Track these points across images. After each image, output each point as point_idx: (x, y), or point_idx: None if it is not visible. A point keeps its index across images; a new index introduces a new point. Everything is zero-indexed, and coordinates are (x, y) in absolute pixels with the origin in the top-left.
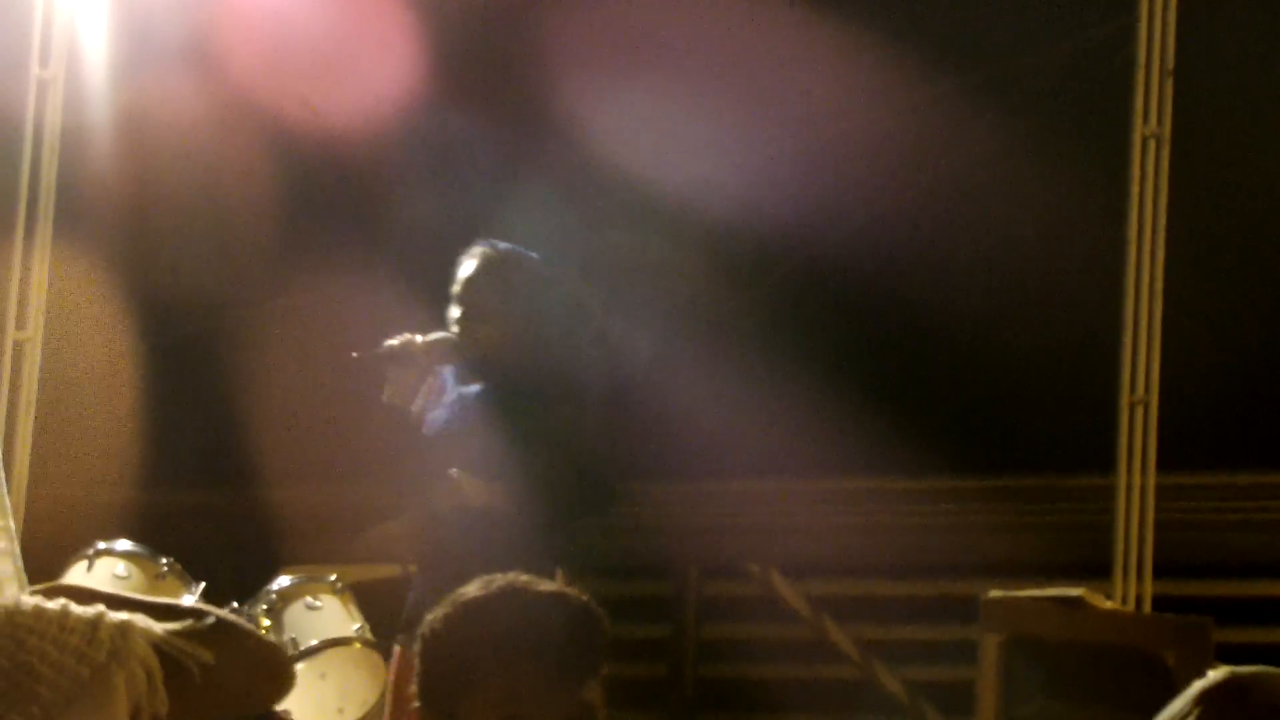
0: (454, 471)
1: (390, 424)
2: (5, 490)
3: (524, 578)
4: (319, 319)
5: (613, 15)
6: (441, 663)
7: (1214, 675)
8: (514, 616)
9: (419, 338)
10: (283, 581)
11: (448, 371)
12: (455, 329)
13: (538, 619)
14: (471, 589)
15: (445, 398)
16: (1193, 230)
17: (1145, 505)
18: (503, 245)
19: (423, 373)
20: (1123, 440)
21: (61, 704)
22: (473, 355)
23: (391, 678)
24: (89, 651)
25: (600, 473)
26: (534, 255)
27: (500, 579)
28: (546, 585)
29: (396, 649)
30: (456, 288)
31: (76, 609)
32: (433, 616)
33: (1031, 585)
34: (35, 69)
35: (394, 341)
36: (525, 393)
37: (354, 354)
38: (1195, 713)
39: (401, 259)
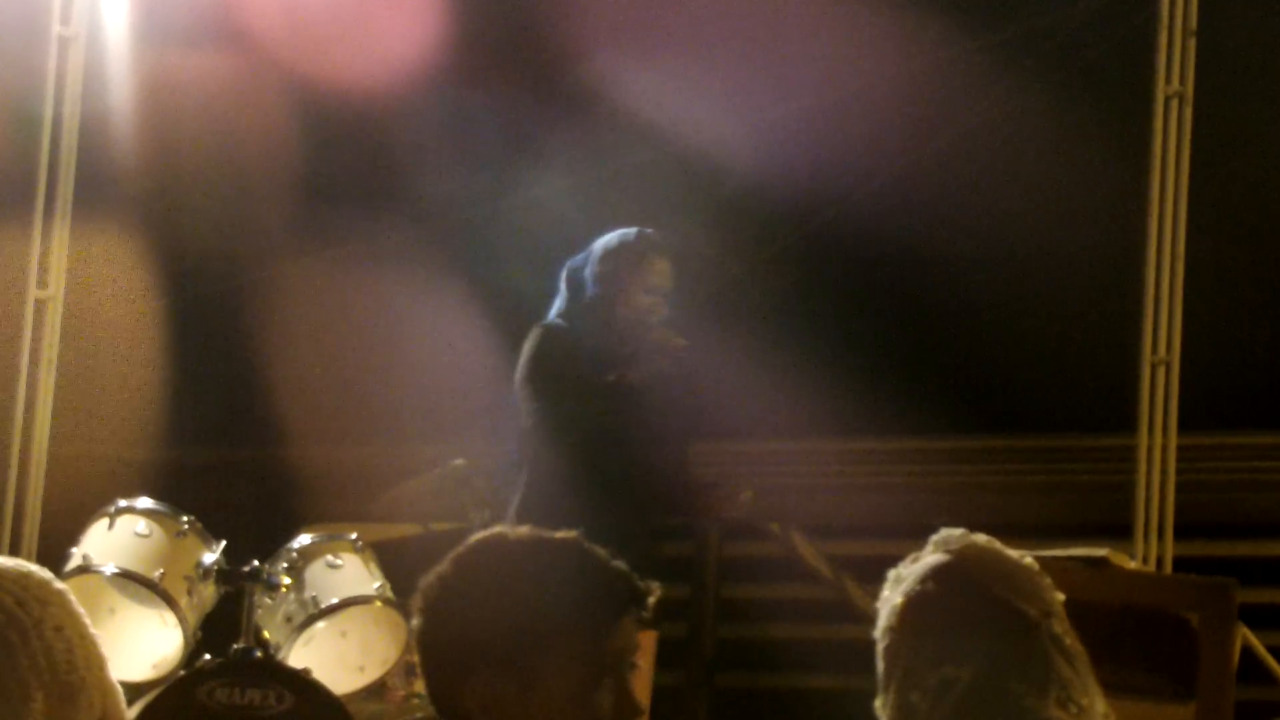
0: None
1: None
2: None
3: (529, 529)
4: (340, 279)
5: None
6: (513, 622)
7: (915, 586)
8: (575, 568)
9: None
10: (303, 540)
11: None
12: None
13: (589, 566)
14: (500, 546)
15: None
16: (1215, 190)
17: (1167, 466)
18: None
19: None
20: (1144, 401)
21: (57, 697)
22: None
23: None
24: (89, 673)
25: None
26: None
27: (510, 531)
28: (562, 534)
29: None
30: (667, 279)
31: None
32: (479, 576)
33: (1052, 545)
34: (56, 26)
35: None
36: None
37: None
38: (929, 650)
39: (420, 222)
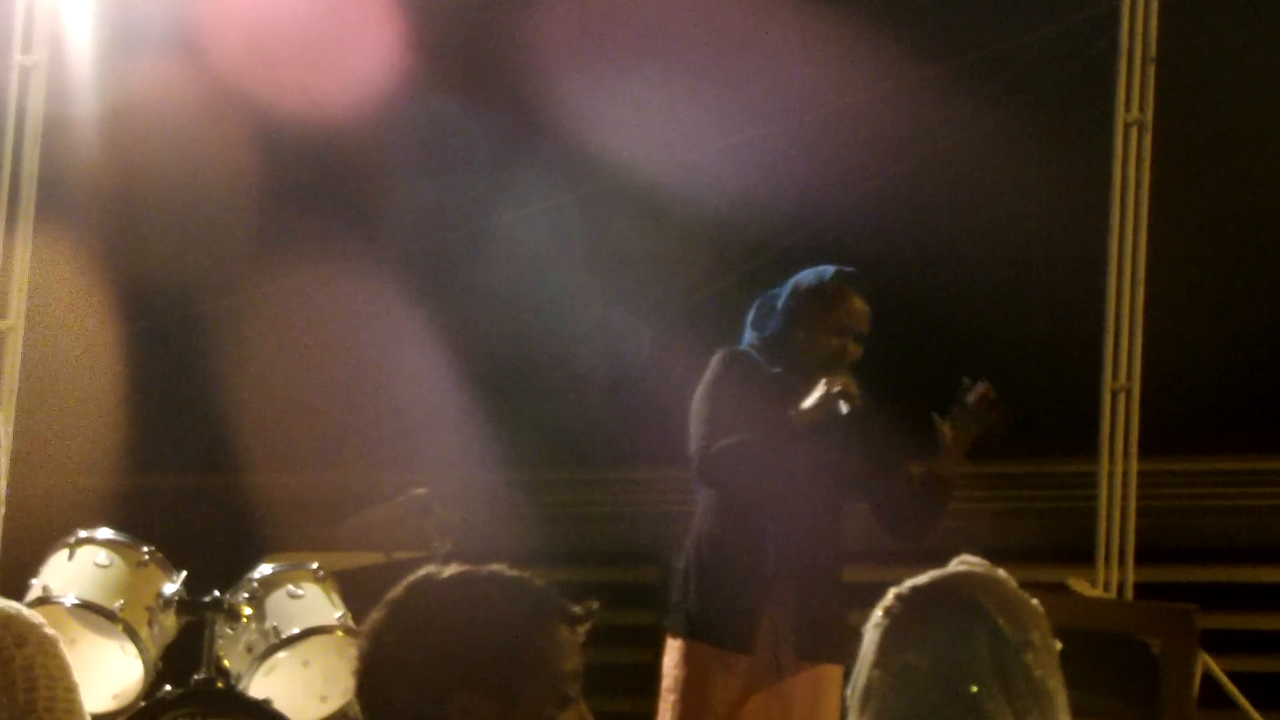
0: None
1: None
2: None
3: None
4: (303, 305)
5: (603, 2)
6: (494, 646)
7: (905, 591)
8: (510, 591)
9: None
10: (265, 569)
11: None
12: (847, 360)
13: (521, 587)
14: (433, 583)
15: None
16: (1175, 217)
17: (1128, 491)
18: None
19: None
20: (1105, 427)
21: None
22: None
23: (680, 669)
24: (50, 715)
25: None
26: None
27: (438, 570)
28: (501, 568)
29: (677, 641)
30: (860, 320)
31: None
32: (425, 613)
33: (1013, 571)
34: (18, 55)
35: (845, 399)
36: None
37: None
38: (898, 643)
39: (387, 245)
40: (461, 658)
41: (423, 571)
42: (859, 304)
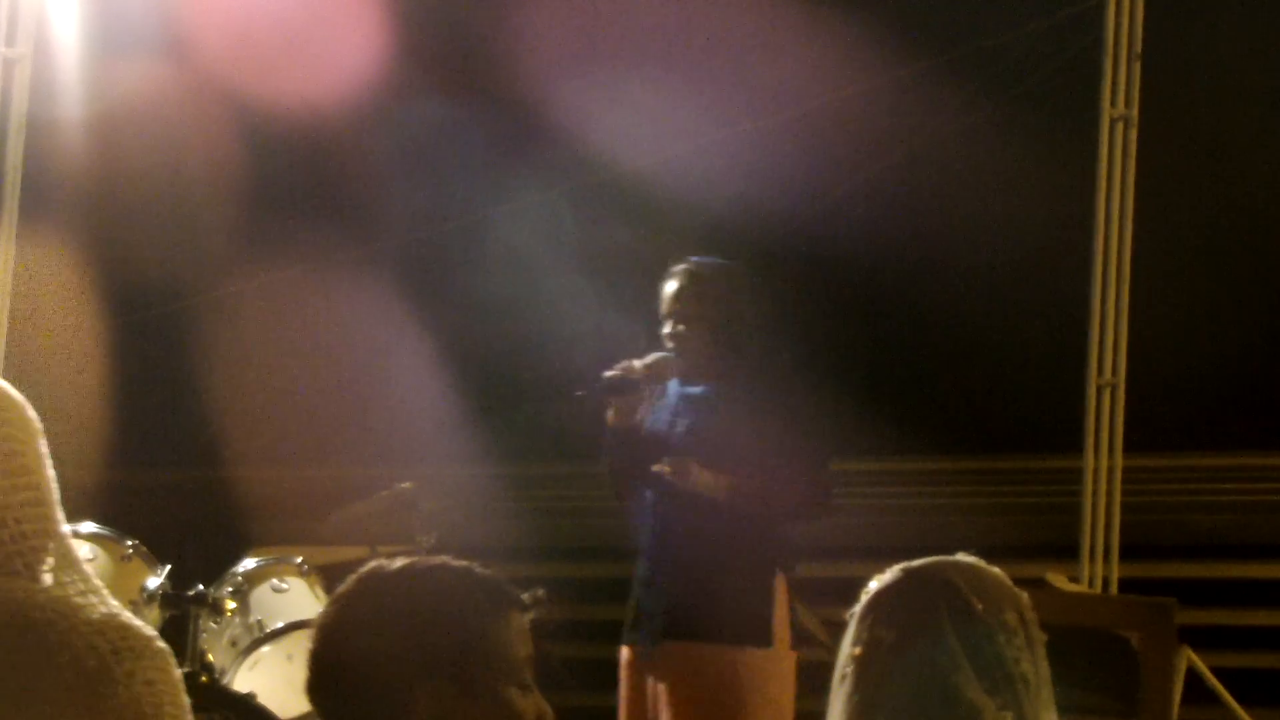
0: (692, 463)
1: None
2: None
3: (408, 560)
4: (290, 301)
5: (593, 3)
6: (455, 634)
7: (884, 576)
8: (481, 580)
9: (637, 362)
10: (249, 563)
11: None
12: (669, 342)
13: (469, 576)
14: (382, 575)
15: (665, 401)
16: (1160, 213)
17: (1112, 487)
18: (704, 260)
19: (645, 392)
20: (1090, 423)
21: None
22: (688, 363)
23: (626, 686)
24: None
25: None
26: (729, 263)
27: (386, 562)
28: (447, 558)
29: (628, 651)
30: (664, 304)
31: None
32: (380, 603)
33: (999, 566)
34: (2, 47)
35: (613, 372)
36: (747, 393)
37: (578, 393)
38: (869, 620)
39: (375, 243)
40: (421, 649)
41: (370, 565)
42: (670, 286)
